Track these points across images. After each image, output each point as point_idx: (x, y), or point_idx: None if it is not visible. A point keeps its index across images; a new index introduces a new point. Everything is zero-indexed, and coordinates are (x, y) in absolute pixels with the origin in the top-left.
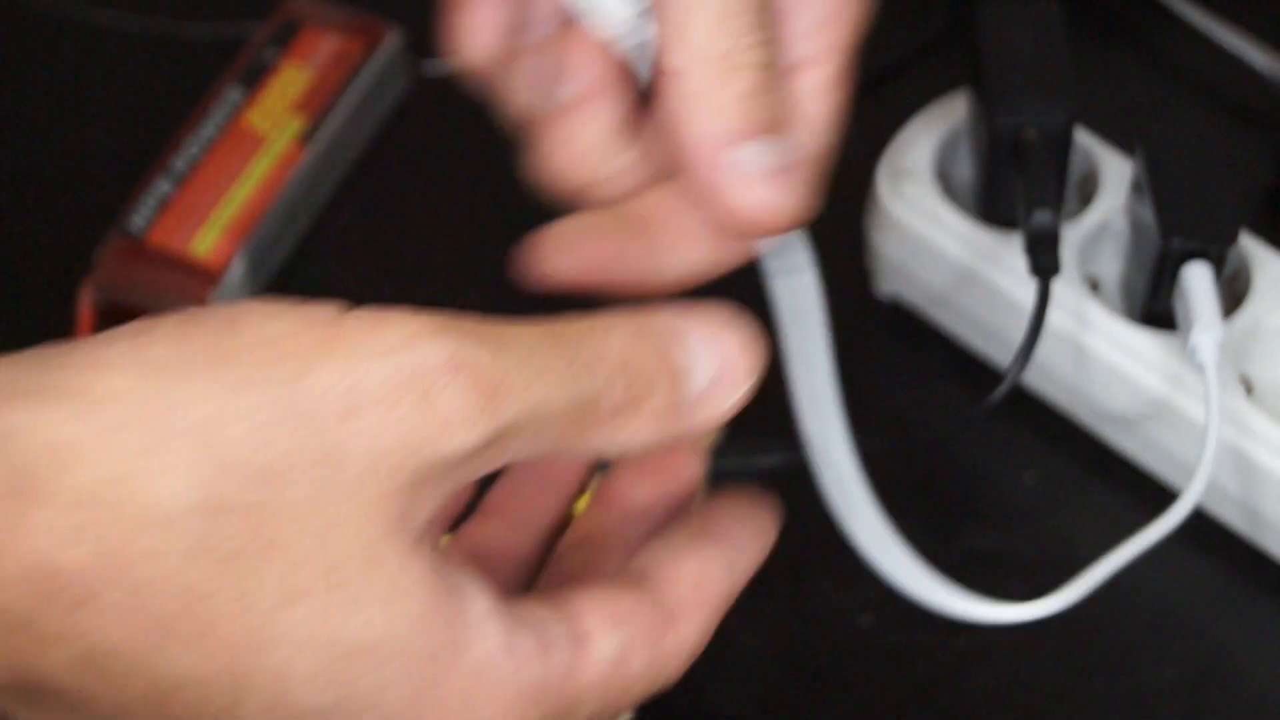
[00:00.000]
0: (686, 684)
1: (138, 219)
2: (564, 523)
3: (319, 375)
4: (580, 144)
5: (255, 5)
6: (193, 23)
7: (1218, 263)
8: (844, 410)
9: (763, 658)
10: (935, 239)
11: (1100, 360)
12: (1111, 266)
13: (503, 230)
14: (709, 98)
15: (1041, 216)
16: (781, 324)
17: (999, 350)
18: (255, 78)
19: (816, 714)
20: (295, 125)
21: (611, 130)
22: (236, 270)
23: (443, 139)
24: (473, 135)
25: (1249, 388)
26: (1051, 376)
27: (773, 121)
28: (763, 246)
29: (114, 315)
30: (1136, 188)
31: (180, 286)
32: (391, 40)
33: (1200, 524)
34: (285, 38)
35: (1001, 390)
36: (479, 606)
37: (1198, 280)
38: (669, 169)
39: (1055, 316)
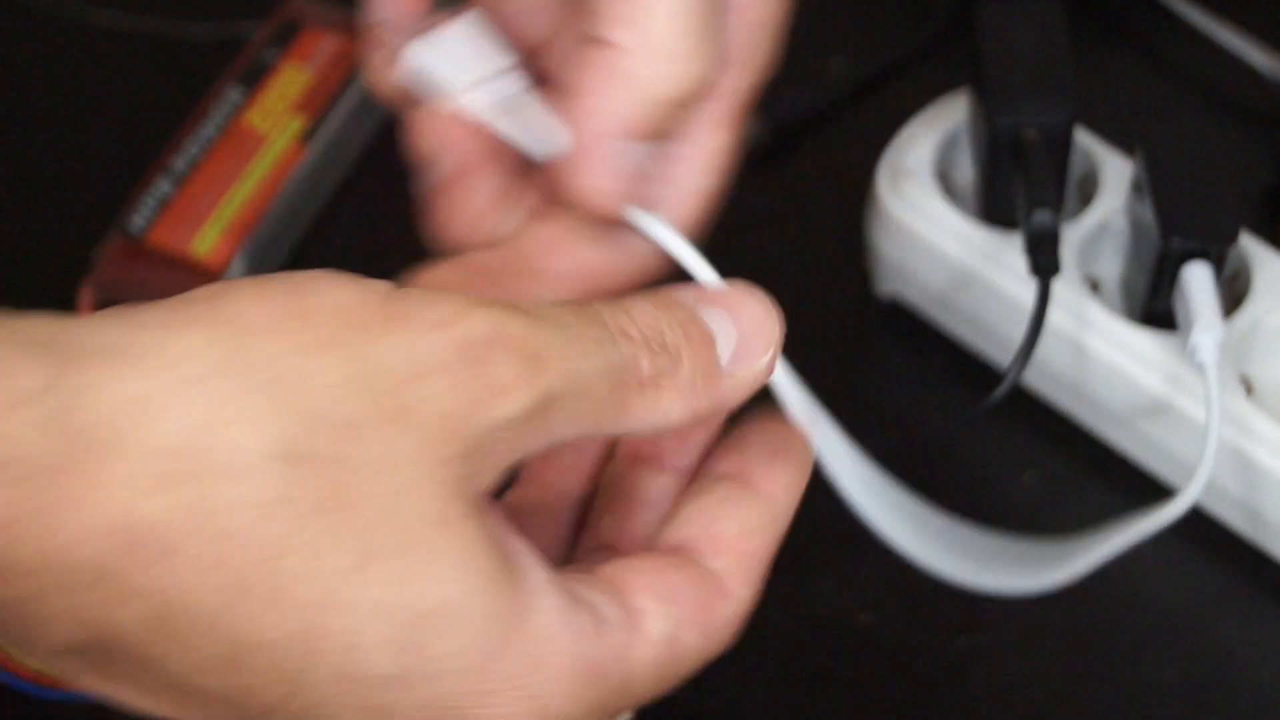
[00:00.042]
0: (687, 684)
1: (138, 219)
2: (594, 489)
3: (388, 342)
4: (462, 216)
5: (255, 5)
6: (193, 23)
7: (1218, 263)
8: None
9: (763, 657)
10: (935, 239)
11: (1100, 360)
12: (1112, 266)
13: None
14: (641, 86)
15: (1041, 216)
16: None
17: (999, 350)
18: (255, 78)
19: (816, 714)
20: (295, 125)
21: (492, 198)
22: (236, 270)
23: None
24: None
25: (1249, 388)
26: (1051, 376)
27: (660, 131)
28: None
29: None
30: (1136, 188)
31: (180, 286)
32: None
33: (1200, 524)
34: (285, 38)
35: (1001, 390)
36: (536, 576)
37: (1198, 280)
38: (552, 209)
39: (1055, 316)
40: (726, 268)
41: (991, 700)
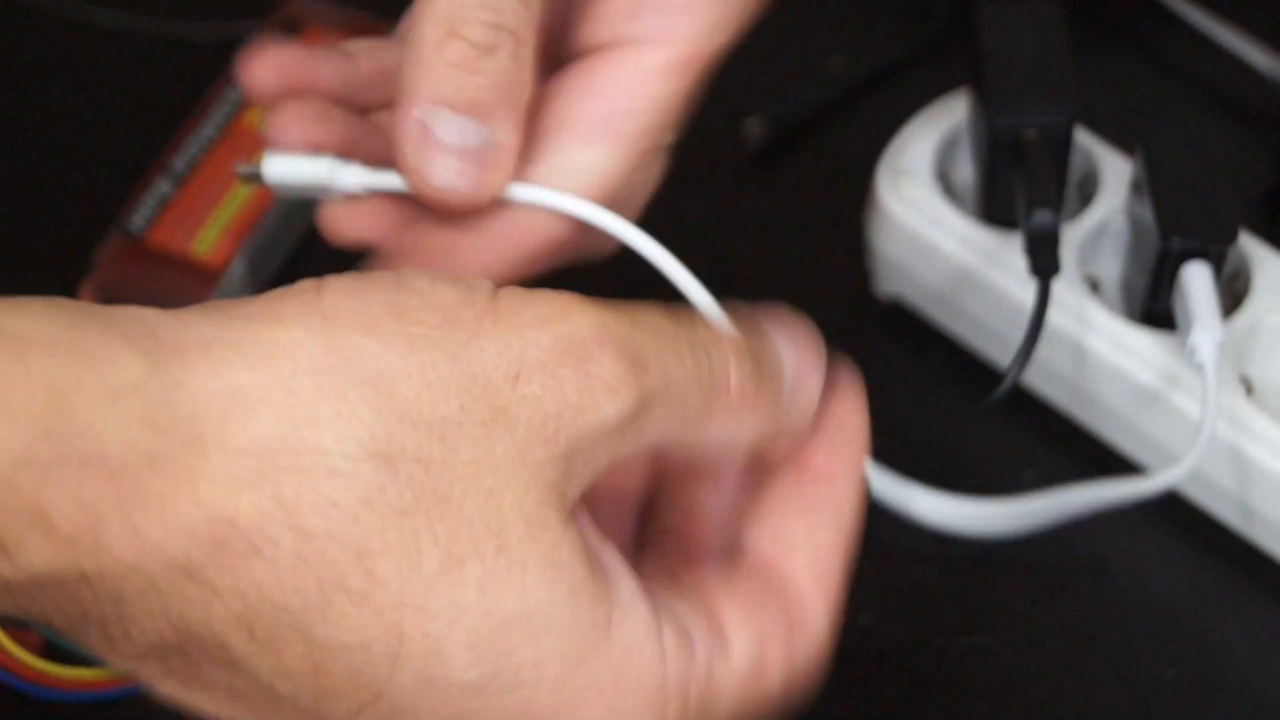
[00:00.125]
0: None
1: (138, 219)
2: (656, 483)
3: (488, 340)
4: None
5: (255, 5)
6: (193, 23)
7: (1217, 263)
8: None
9: None
10: (935, 239)
11: (1100, 360)
12: (1111, 266)
13: None
14: (421, 56)
15: (1041, 216)
16: None
17: (999, 350)
18: None
19: (816, 714)
20: None
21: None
22: (236, 270)
23: None
24: None
25: (1249, 388)
26: (1051, 376)
27: (475, 102)
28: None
29: None
30: (1136, 188)
31: (180, 286)
32: None
33: (1201, 524)
34: (285, 37)
35: (1001, 390)
36: (626, 586)
37: (1197, 280)
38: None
39: (1055, 316)
40: (727, 268)
41: (991, 700)
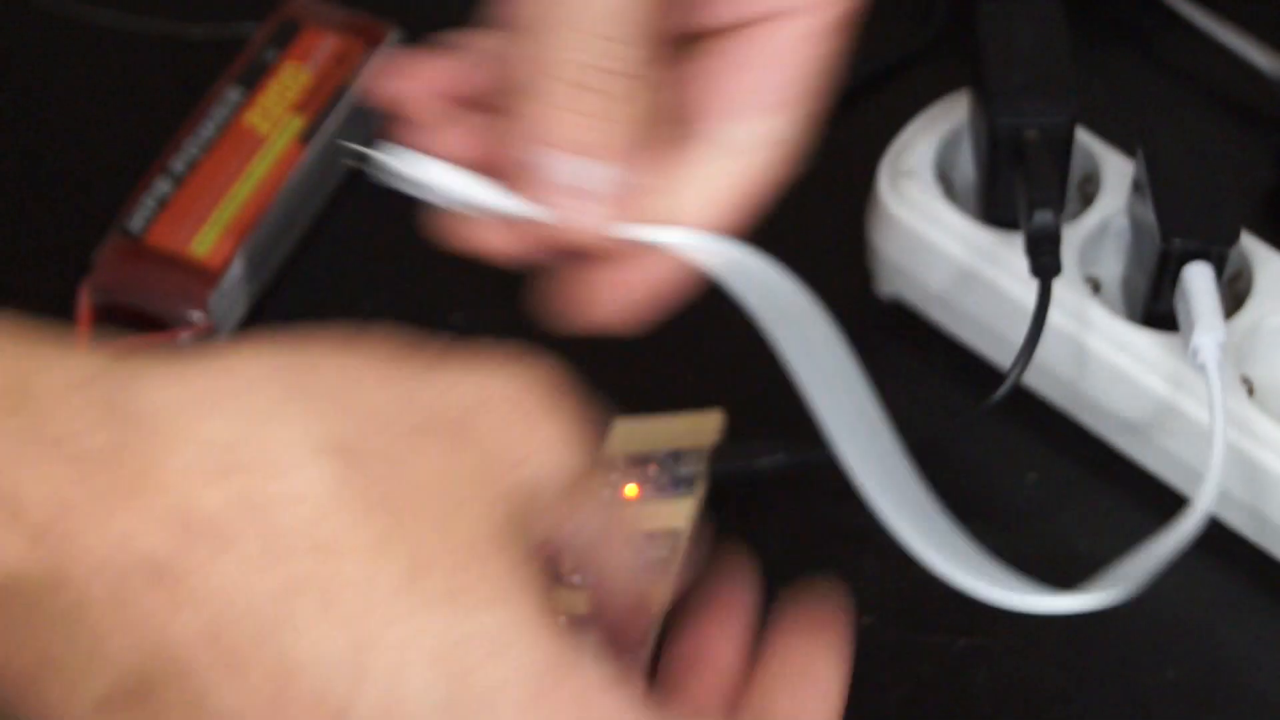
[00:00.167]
0: None
1: (137, 219)
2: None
3: (456, 368)
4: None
5: (255, 5)
6: (193, 23)
7: (1219, 263)
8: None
9: None
10: (936, 239)
11: (1101, 361)
12: (1113, 267)
13: None
14: (539, 100)
15: (1042, 217)
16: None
17: (1000, 351)
18: (255, 78)
19: None
20: (295, 125)
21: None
22: (236, 270)
23: None
24: None
25: (1250, 389)
26: (1052, 377)
27: (593, 145)
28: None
29: (113, 315)
30: (1137, 188)
31: (179, 286)
32: (391, 40)
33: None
34: (285, 37)
35: (1002, 391)
36: (588, 641)
37: (1199, 281)
38: None
39: (1056, 317)
40: None
41: (992, 702)
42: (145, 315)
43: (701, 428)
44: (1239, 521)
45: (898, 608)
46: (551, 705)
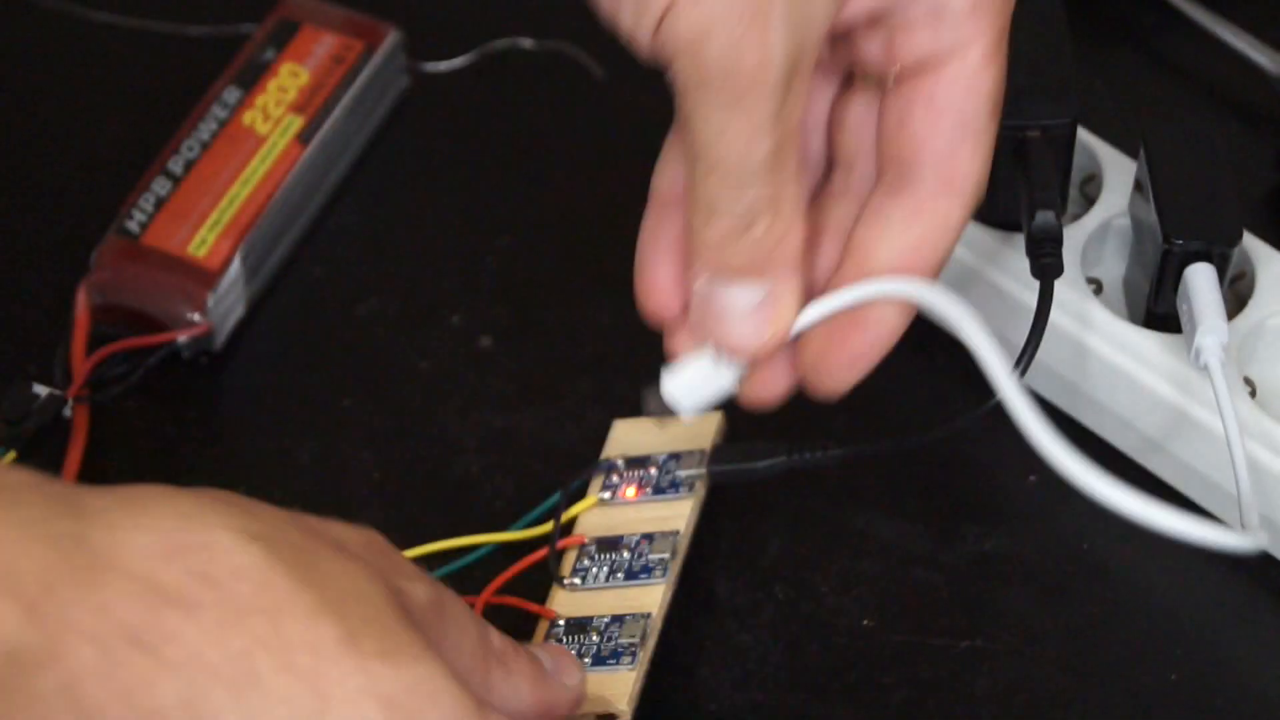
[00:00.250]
0: (687, 686)
1: (135, 219)
2: None
3: (315, 520)
4: None
5: (254, 5)
6: (192, 22)
7: (1221, 264)
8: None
9: (763, 660)
10: None
11: (1103, 362)
12: (1114, 268)
13: (500, 229)
14: (691, 234)
15: (1044, 218)
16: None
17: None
18: (253, 77)
19: (817, 717)
20: (293, 125)
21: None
22: (234, 271)
23: (440, 139)
24: (470, 135)
25: (1252, 390)
26: (1054, 379)
27: (744, 268)
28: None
29: (111, 316)
30: (1139, 188)
31: (178, 287)
32: (390, 40)
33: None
34: (283, 37)
35: None
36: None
37: (1201, 282)
38: None
39: (1057, 318)
40: None
41: (993, 704)
42: (143, 316)
43: (701, 429)
44: (1238, 519)
45: (898, 609)
46: None
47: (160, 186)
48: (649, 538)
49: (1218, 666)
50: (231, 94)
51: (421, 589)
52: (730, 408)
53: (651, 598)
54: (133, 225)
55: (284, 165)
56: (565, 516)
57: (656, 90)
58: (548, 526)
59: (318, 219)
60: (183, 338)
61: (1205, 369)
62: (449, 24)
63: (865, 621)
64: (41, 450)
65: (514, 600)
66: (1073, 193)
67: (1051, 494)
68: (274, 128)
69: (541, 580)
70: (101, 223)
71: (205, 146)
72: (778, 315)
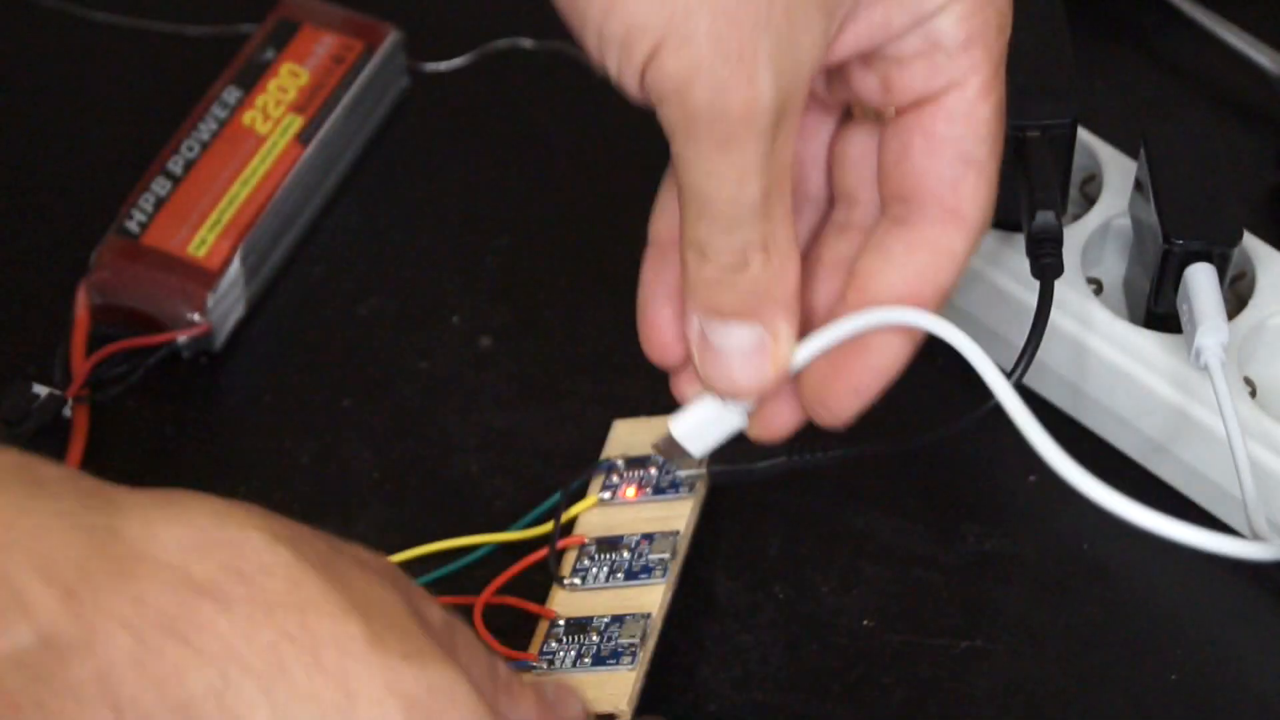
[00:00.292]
0: (687, 686)
1: (135, 219)
2: None
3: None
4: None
5: (253, 5)
6: (191, 23)
7: (1221, 264)
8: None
9: (763, 660)
10: None
11: (1103, 362)
12: (1115, 268)
13: (500, 229)
14: (685, 275)
15: (1044, 218)
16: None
17: (1001, 352)
18: (253, 77)
19: (817, 717)
20: (293, 125)
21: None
22: (234, 270)
23: (440, 139)
24: (470, 135)
25: (1253, 390)
26: (1054, 379)
27: (737, 309)
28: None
29: (111, 316)
30: (1139, 188)
31: (178, 287)
32: (390, 40)
33: (1203, 524)
34: (283, 37)
35: None
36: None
37: (1201, 282)
38: None
39: (1058, 319)
40: None
41: (993, 705)
42: (143, 316)
43: None
44: (1241, 522)
45: (898, 610)
46: None
47: (160, 186)
48: (649, 538)
49: (1218, 666)
50: (231, 94)
51: (436, 612)
52: None
53: (651, 598)
54: (133, 225)
55: (284, 165)
56: (565, 516)
57: None
58: (548, 526)
59: (318, 219)
60: (183, 338)
61: (1205, 369)
62: (449, 24)
63: (865, 621)
64: (41, 450)
65: (514, 600)
66: (1073, 193)
67: (1051, 494)
68: (274, 128)
69: (542, 580)
70: (101, 223)
71: (205, 146)
72: (776, 354)
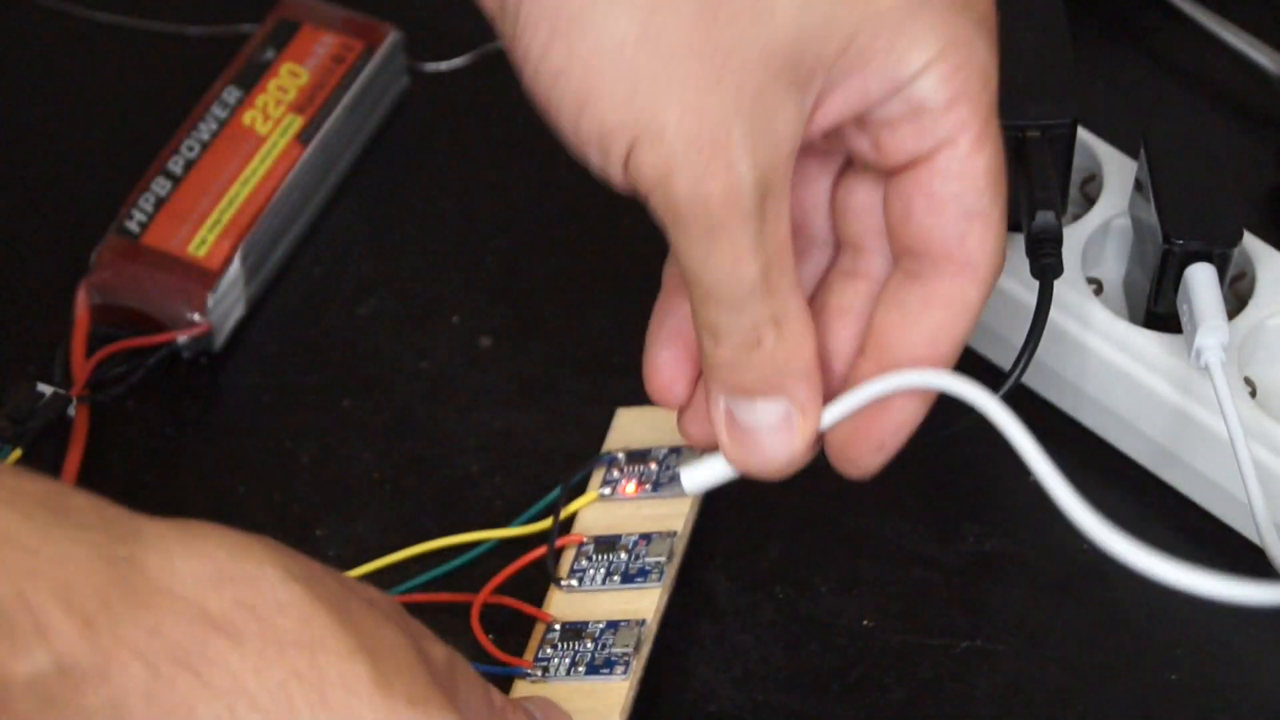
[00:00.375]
0: (687, 686)
1: (135, 219)
2: None
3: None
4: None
5: (253, 5)
6: (191, 22)
7: (1221, 264)
8: None
9: (763, 660)
10: None
11: (1103, 362)
12: (1114, 268)
13: (500, 229)
14: (704, 355)
15: (1044, 218)
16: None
17: (1001, 352)
18: (253, 77)
19: (817, 717)
20: (293, 125)
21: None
22: (234, 270)
23: (440, 139)
24: (470, 135)
25: (1253, 390)
26: (1054, 379)
27: (757, 386)
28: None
29: (111, 316)
30: (1140, 188)
31: (178, 287)
32: (390, 40)
33: (1203, 525)
34: (283, 37)
35: (1002, 391)
36: None
37: (1201, 282)
38: None
39: (1057, 318)
40: None
41: (994, 705)
42: (143, 316)
43: None
44: (1241, 522)
45: (898, 610)
46: None
47: (160, 186)
48: (647, 538)
49: (1217, 668)
50: (231, 94)
51: (439, 650)
52: None
53: (647, 603)
54: (133, 225)
55: (284, 165)
56: (565, 512)
57: None
58: (547, 523)
59: (318, 219)
60: (183, 338)
61: (1206, 369)
62: (449, 24)
63: (865, 621)
64: (43, 450)
65: (511, 601)
66: (1073, 193)
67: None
68: (274, 128)
69: (540, 578)
70: (101, 223)
71: (205, 146)
72: (803, 426)
